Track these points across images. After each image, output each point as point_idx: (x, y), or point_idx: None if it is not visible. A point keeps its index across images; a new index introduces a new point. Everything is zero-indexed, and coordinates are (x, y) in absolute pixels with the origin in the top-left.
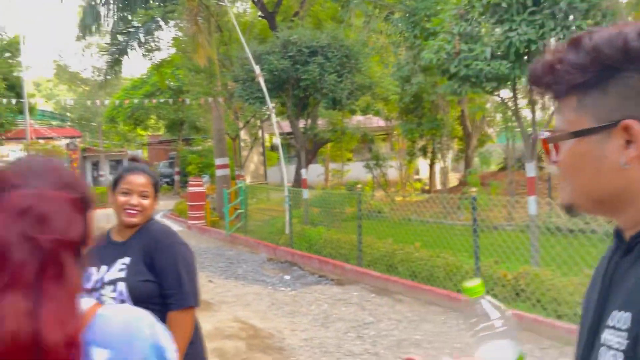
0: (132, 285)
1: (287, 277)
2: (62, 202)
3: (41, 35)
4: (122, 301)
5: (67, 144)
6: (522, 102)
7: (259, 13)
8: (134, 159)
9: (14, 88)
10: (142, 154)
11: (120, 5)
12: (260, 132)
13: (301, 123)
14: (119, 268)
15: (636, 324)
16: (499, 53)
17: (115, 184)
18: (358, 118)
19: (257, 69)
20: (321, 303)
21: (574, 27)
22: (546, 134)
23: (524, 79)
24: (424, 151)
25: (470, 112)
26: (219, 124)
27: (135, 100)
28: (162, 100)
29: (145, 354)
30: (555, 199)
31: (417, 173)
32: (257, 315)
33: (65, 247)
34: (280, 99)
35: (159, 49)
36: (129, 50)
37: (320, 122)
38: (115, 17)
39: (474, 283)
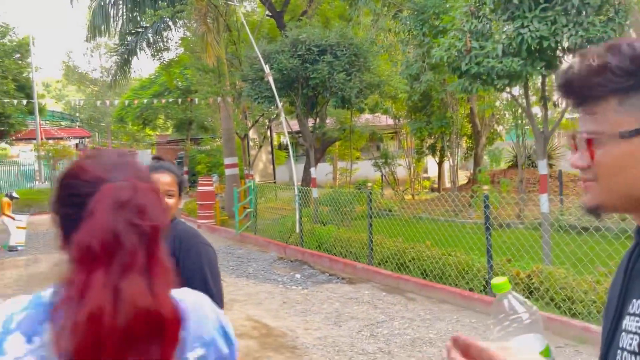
0: None
1: (298, 275)
2: (150, 192)
3: (50, 36)
4: None
5: (77, 144)
6: (532, 99)
7: (267, 12)
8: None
9: (24, 89)
10: (151, 153)
11: (129, 5)
12: (268, 132)
13: (310, 122)
14: None
15: None
16: (510, 50)
17: None
18: (366, 116)
19: (266, 68)
20: (333, 302)
21: (586, 24)
22: (585, 135)
23: (535, 76)
24: (432, 149)
25: (480, 110)
26: (227, 124)
27: (144, 101)
28: (170, 100)
29: (213, 335)
30: (570, 196)
31: (425, 171)
32: (269, 314)
33: (159, 232)
34: (289, 98)
35: (167, 49)
36: (137, 50)
37: (329, 121)
38: (124, 17)
39: (501, 280)
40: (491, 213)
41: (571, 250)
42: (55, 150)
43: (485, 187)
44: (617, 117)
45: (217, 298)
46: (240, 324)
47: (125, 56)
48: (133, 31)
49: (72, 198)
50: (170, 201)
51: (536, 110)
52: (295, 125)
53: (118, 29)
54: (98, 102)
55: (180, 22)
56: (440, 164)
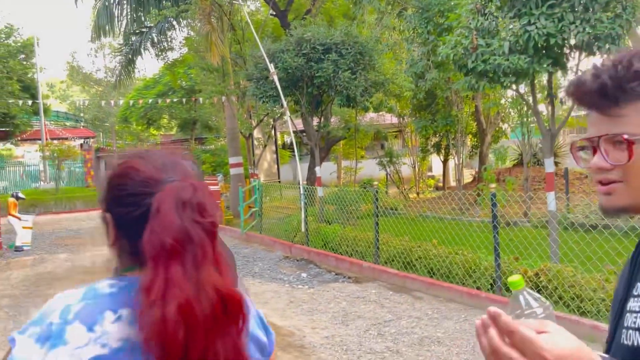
0: None
1: (304, 274)
2: (205, 190)
3: (55, 36)
4: None
5: (81, 144)
6: (538, 97)
7: (271, 11)
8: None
9: (29, 89)
10: None
11: (134, 5)
12: (273, 131)
13: (314, 121)
14: None
15: None
16: (517, 47)
17: None
18: (371, 115)
19: (271, 67)
20: (340, 301)
21: (593, 20)
22: (625, 136)
23: (542, 74)
24: (437, 148)
25: (485, 108)
26: (232, 123)
27: (149, 100)
28: (174, 100)
29: (255, 324)
30: (578, 194)
31: (430, 170)
32: (276, 313)
33: (216, 226)
34: (294, 97)
35: (171, 49)
36: (142, 50)
37: (333, 120)
38: (129, 17)
39: (517, 277)
40: (498, 211)
41: (580, 248)
42: (60, 151)
43: (493, 185)
44: None
45: None
46: None
47: (130, 56)
48: (137, 31)
49: (128, 197)
50: None
51: (541, 108)
52: (299, 124)
53: (122, 29)
54: (102, 102)
55: (185, 21)
56: (445, 162)
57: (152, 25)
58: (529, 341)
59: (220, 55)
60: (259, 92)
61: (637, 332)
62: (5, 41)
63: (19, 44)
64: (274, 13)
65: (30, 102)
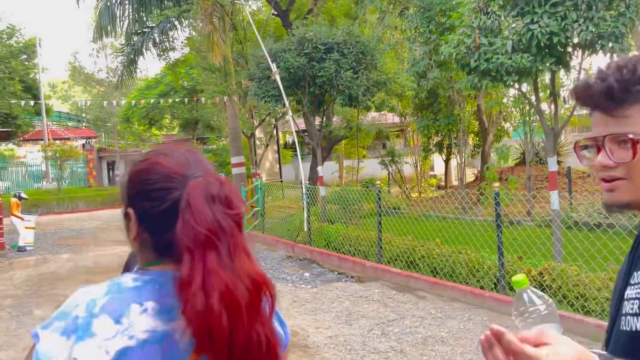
0: None
1: (307, 274)
2: (230, 184)
3: (57, 37)
4: None
5: (83, 145)
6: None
7: (273, 11)
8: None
9: (31, 90)
10: None
11: (136, 5)
12: (275, 131)
13: (316, 120)
14: None
15: None
16: (520, 46)
17: None
18: (372, 114)
19: (273, 66)
20: (343, 300)
21: (597, 19)
22: (630, 135)
23: (545, 73)
24: (439, 147)
25: (487, 107)
26: (234, 123)
27: (151, 100)
28: (176, 100)
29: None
30: (583, 193)
31: (432, 169)
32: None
33: (242, 218)
34: (296, 97)
35: (173, 49)
36: (143, 50)
37: (335, 119)
38: (131, 17)
39: (521, 277)
40: (501, 210)
41: (584, 247)
42: (62, 151)
43: (496, 184)
44: None
45: None
46: None
47: (131, 56)
48: (139, 31)
49: (153, 192)
50: None
51: (544, 107)
52: (301, 123)
53: (124, 29)
54: (104, 103)
55: (186, 21)
56: (447, 161)
57: (154, 25)
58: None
59: (222, 55)
60: (261, 92)
61: (635, 318)
62: (8, 42)
63: (21, 45)
64: (276, 13)
65: (32, 102)
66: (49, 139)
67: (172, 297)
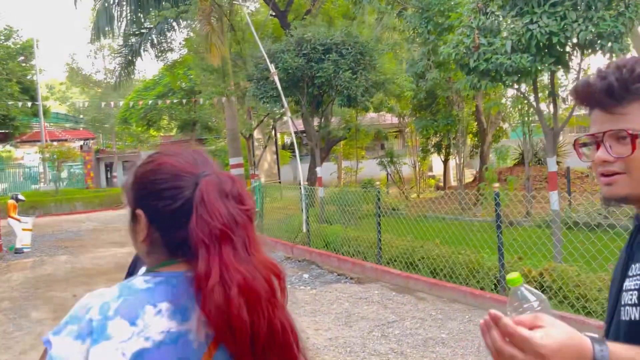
0: None
1: (306, 275)
2: (240, 181)
3: (54, 38)
4: None
5: (81, 146)
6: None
7: (271, 12)
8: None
9: (28, 91)
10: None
11: (133, 7)
12: (273, 132)
13: (315, 121)
14: None
15: None
16: (519, 46)
17: None
18: (371, 115)
19: (272, 67)
20: (342, 302)
21: (596, 19)
22: (629, 131)
23: (544, 73)
24: (438, 147)
25: (486, 108)
26: (232, 124)
27: (149, 102)
28: (174, 101)
29: None
30: (584, 193)
31: (430, 170)
32: None
33: (253, 213)
34: (295, 97)
35: (171, 50)
36: (141, 51)
37: (333, 120)
38: (128, 18)
39: (515, 275)
40: (501, 211)
41: (584, 248)
42: (60, 152)
43: (496, 184)
44: None
45: None
46: None
47: (129, 57)
48: (137, 32)
49: (165, 191)
50: None
51: (542, 107)
52: (300, 124)
53: (122, 30)
54: (102, 104)
55: (184, 22)
56: (445, 162)
57: (151, 26)
58: (527, 341)
59: (221, 56)
60: (260, 93)
61: (634, 308)
62: (5, 43)
63: (19, 46)
64: (274, 14)
65: (29, 103)
66: (46, 141)
67: (185, 297)
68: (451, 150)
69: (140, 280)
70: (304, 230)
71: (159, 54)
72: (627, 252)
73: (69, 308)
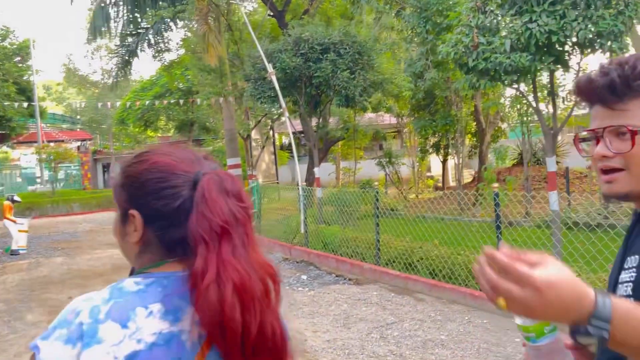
0: None
1: (304, 277)
2: (238, 180)
3: (51, 39)
4: None
5: (78, 147)
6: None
7: (268, 12)
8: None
9: (25, 92)
10: None
11: (130, 6)
12: (271, 132)
13: (313, 121)
14: None
15: None
16: (518, 45)
17: None
18: (369, 115)
19: (269, 67)
20: (341, 303)
21: (595, 17)
22: (629, 127)
23: (543, 72)
24: (436, 148)
25: (484, 107)
26: (230, 124)
27: (146, 102)
28: (172, 102)
29: None
30: (584, 193)
31: (429, 170)
32: None
33: (250, 211)
34: (292, 97)
35: (168, 50)
36: (138, 51)
37: (331, 120)
38: (125, 18)
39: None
40: (500, 211)
41: (585, 249)
42: (57, 153)
43: (495, 184)
44: None
45: None
46: None
47: (126, 57)
48: (134, 32)
49: (165, 190)
50: None
51: (541, 107)
52: (298, 124)
53: (118, 30)
54: (99, 104)
55: (181, 22)
56: (444, 162)
57: (148, 26)
58: (523, 274)
59: (218, 55)
60: (257, 93)
61: (628, 299)
62: (1, 43)
63: (15, 47)
64: (272, 13)
65: (26, 104)
66: (43, 141)
67: (177, 297)
68: (450, 150)
69: (130, 282)
70: (302, 231)
71: (156, 54)
72: (624, 245)
73: None
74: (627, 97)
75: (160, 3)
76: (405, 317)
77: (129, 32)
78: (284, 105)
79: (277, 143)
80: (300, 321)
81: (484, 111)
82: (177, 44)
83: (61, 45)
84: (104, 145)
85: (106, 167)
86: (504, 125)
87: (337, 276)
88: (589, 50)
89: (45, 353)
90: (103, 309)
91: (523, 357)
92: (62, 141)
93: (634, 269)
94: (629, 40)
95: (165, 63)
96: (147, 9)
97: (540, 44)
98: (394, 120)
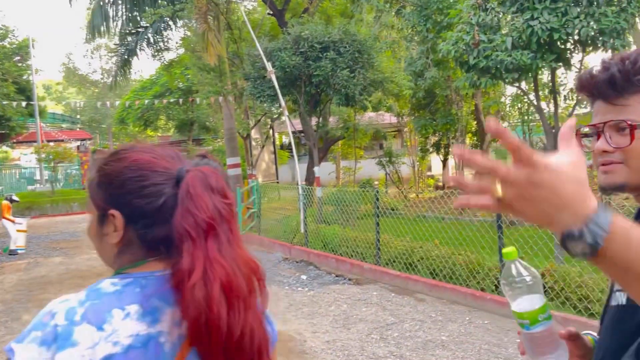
0: None
1: (304, 277)
2: (222, 177)
3: (50, 38)
4: None
5: (78, 146)
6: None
7: (268, 11)
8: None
9: (24, 91)
10: None
11: (129, 5)
12: (271, 131)
13: (313, 121)
14: None
15: None
16: (520, 43)
17: None
18: (369, 114)
19: (268, 65)
20: (340, 303)
21: (598, 15)
22: (629, 122)
23: (545, 70)
24: (437, 147)
25: (485, 106)
26: (229, 123)
27: (145, 102)
28: (171, 101)
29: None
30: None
31: (429, 169)
32: (276, 317)
33: (234, 207)
34: (292, 96)
35: (168, 49)
36: (137, 50)
37: (331, 119)
38: (124, 17)
39: (511, 249)
40: None
41: None
42: (56, 153)
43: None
44: None
45: None
46: None
47: (125, 57)
48: (133, 31)
49: (148, 188)
50: None
51: (542, 105)
52: (297, 124)
53: (118, 29)
54: (99, 104)
55: (181, 21)
56: (444, 161)
57: (147, 25)
58: (529, 154)
59: (217, 54)
60: (257, 92)
61: (622, 293)
62: (1, 43)
63: (14, 46)
64: (271, 12)
65: (25, 104)
66: (42, 141)
67: (156, 298)
68: (450, 149)
69: (107, 284)
70: (302, 230)
71: (156, 53)
72: None
73: None
74: (627, 92)
75: (159, 2)
76: (405, 317)
77: (128, 31)
78: (283, 104)
79: (277, 142)
80: (300, 322)
81: (485, 110)
82: (177, 43)
83: (61, 45)
84: (104, 144)
85: None
86: (505, 124)
87: (337, 276)
88: (591, 48)
89: (20, 356)
90: (79, 310)
91: (518, 345)
92: (62, 141)
93: None
94: (631, 37)
95: (165, 62)
96: (146, 7)
97: (541, 41)
98: (394, 120)
